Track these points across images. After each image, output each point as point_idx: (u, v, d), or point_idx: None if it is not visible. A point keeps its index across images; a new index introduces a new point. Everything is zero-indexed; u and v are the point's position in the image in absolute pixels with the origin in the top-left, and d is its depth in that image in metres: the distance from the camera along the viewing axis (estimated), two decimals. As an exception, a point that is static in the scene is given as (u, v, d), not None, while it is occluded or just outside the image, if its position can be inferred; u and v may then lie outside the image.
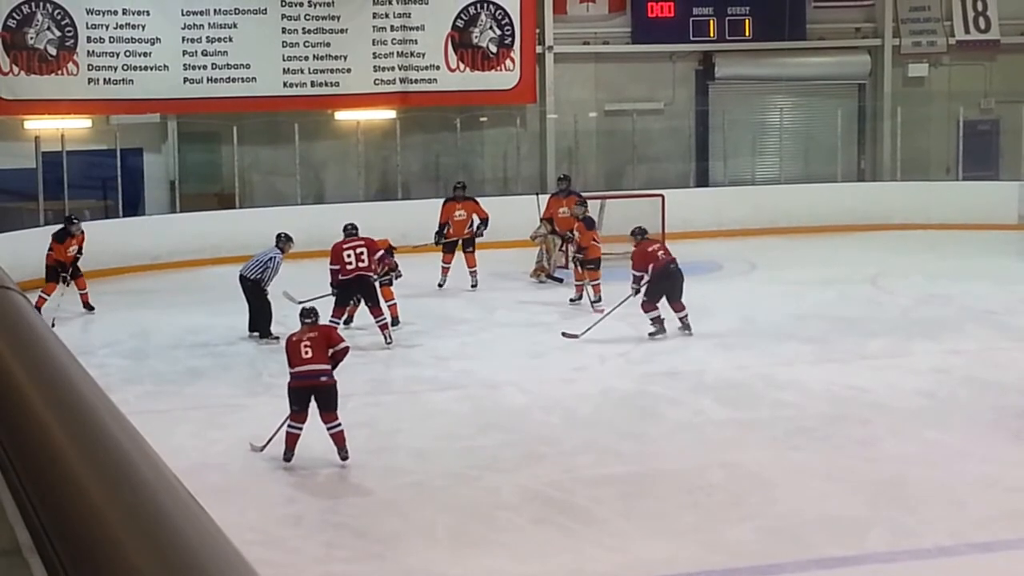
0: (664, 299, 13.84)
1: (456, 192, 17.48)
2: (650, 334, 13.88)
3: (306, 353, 9.67)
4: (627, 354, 13.38)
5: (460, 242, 17.11)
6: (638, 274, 13.89)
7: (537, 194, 18.31)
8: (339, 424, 9.68)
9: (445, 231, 17.05)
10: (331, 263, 13.92)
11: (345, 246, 13.95)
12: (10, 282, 2.02)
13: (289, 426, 9.72)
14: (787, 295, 14.58)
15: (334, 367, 9.83)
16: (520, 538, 8.28)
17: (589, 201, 16.81)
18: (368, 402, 11.59)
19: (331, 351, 9.82)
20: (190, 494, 1.19)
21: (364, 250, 13.89)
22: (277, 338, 13.33)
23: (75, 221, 16.06)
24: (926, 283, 16.87)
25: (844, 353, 13.13)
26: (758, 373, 12.36)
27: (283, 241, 14.30)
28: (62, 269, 15.56)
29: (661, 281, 13.81)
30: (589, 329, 13.81)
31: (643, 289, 13.81)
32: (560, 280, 17.16)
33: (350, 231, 14.19)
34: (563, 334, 13.91)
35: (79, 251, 15.80)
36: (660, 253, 14.02)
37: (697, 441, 10.32)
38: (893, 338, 13.73)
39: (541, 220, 17.57)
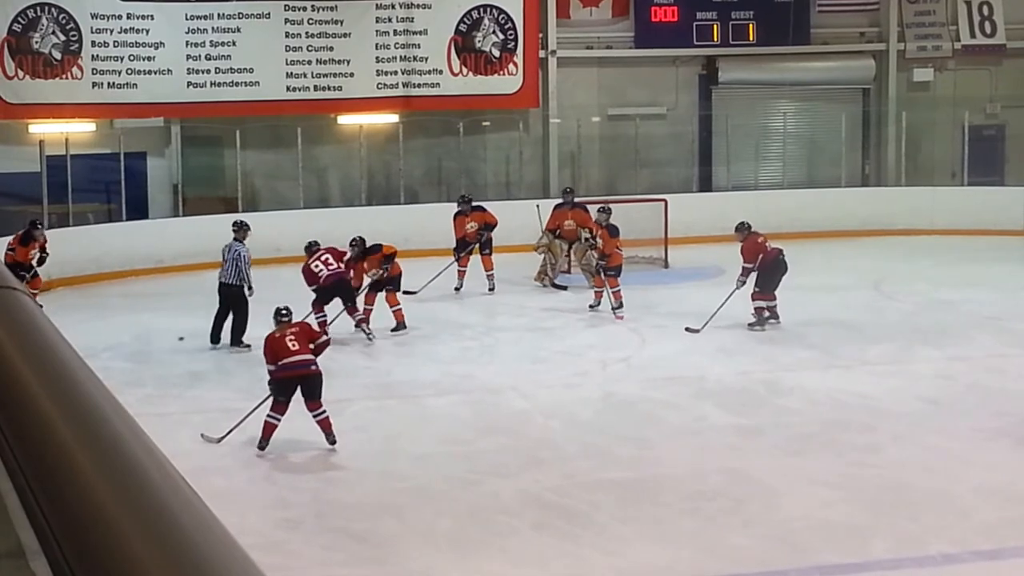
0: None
1: (462, 206, 17.47)
2: (750, 325, 14.28)
3: (293, 346, 10.10)
4: (629, 359, 13.36)
5: (477, 245, 17.14)
6: (748, 266, 14.28)
7: (537, 205, 18.22)
8: (324, 411, 10.09)
9: (463, 245, 17.13)
10: (308, 283, 14.04)
11: (311, 261, 14.09)
12: (15, 282, 2.02)
13: (270, 416, 10.03)
14: (790, 300, 14.55)
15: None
16: (520, 543, 8.27)
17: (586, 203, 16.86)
18: (370, 406, 11.61)
19: (313, 344, 10.26)
20: (197, 495, 1.18)
21: (328, 255, 14.11)
22: (248, 346, 13.44)
23: (38, 226, 16.55)
24: (930, 289, 16.84)
25: (847, 359, 13.10)
26: (760, 379, 12.35)
27: (240, 229, 14.33)
28: (21, 269, 15.77)
29: (774, 271, 14.18)
30: (707, 323, 14.07)
31: (747, 280, 14.25)
32: (564, 287, 17.13)
33: (313, 248, 14.26)
34: (686, 329, 14.12)
35: (40, 253, 16.19)
36: (769, 244, 14.32)
37: (698, 447, 10.30)
38: (897, 344, 13.71)
39: (543, 231, 17.55)
